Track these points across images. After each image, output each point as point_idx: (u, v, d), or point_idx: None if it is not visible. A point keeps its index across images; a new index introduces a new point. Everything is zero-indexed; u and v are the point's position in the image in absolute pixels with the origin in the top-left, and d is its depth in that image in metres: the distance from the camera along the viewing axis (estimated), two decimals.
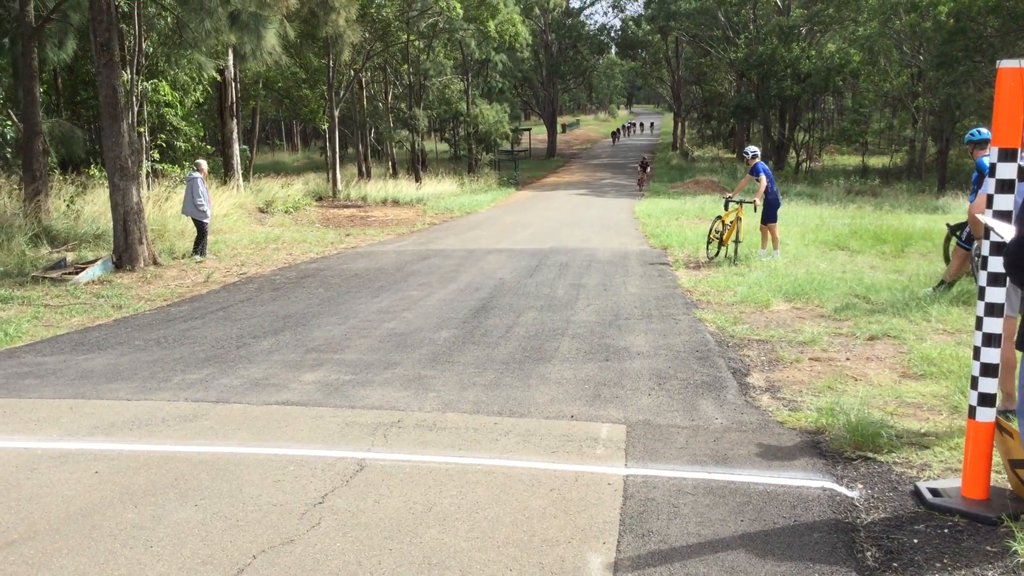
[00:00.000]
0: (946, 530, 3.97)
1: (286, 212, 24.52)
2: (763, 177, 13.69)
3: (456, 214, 27.16)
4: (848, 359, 7.20)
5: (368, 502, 4.22)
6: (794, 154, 52.79)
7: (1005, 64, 3.97)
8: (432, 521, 4.00)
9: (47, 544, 3.77)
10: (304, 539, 3.82)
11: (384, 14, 32.79)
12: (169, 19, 16.59)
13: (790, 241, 15.61)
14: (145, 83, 20.17)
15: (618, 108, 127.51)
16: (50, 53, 15.28)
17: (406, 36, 34.87)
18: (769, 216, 13.91)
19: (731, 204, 13.88)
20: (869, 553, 3.75)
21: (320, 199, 29.88)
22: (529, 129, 64.02)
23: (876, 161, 52.48)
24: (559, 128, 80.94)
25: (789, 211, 22.62)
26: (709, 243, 14.35)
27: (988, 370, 4.08)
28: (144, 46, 19.60)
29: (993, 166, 3.97)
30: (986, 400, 4.10)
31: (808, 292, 10.12)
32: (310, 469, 4.67)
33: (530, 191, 39.70)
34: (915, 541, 3.86)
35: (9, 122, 16.38)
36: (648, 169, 38.95)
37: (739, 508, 4.17)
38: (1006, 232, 3.31)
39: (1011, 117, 3.95)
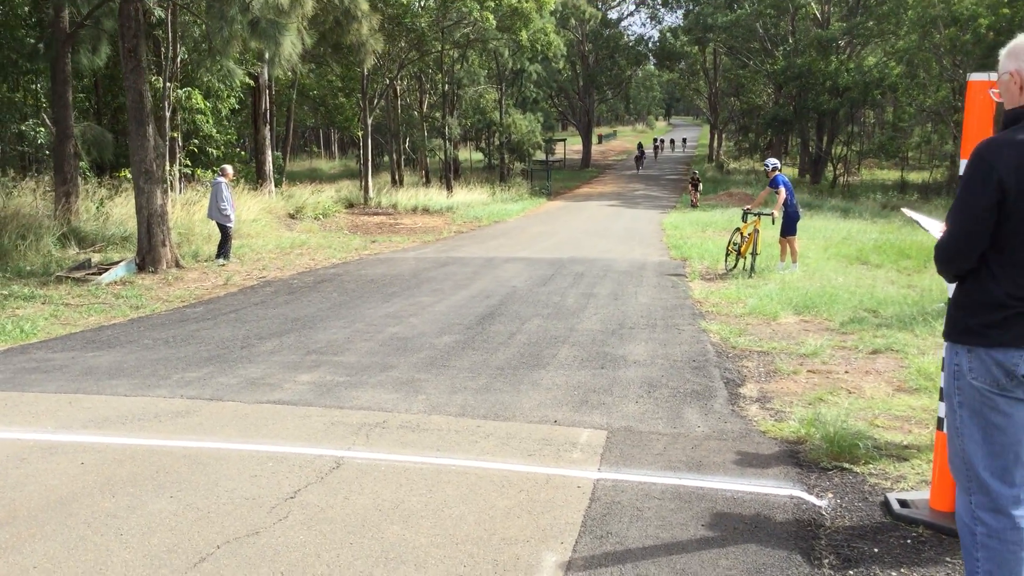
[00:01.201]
0: (909, 540, 3.98)
1: (315, 218, 24.82)
2: (782, 189, 13.64)
3: (484, 223, 27.30)
4: (847, 372, 7.18)
5: (338, 498, 4.31)
6: (831, 168, 52.29)
7: (974, 77, 4.00)
8: (397, 518, 4.08)
9: (23, 530, 3.91)
10: (269, 531, 3.92)
11: (419, 24, 33.08)
12: (201, 27, 16.91)
13: (811, 254, 15.51)
14: (178, 91, 20.60)
15: (656, 120, 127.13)
16: (83, 59, 15.67)
17: (440, 45, 35.18)
18: (788, 229, 13.85)
19: (749, 216, 13.85)
20: (827, 560, 3.77)
21: (351, 206, 30.21)
22: (564, 139, 64.10)
23: (916, 176, 51.82)
24: (595, 139, 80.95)
25: (817, 224, 22.47)
26: (727, 255, 14.31)
27: None
28: (178, 53, 20.03)
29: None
30: None
31: (818, 305, 10.07)
32: (288, 465, 4.78)
33: (561, 201, 39.75)
34: (875, 550, 3.87)
35: (42, 127, 16.79)
36: (700, 186, 36.05)
37: (702, 513, 4.20)
38: (934, 228, 3.33)
39: (980, 130, 3.97)
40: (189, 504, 4.22)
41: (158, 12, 18.39)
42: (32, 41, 17.10)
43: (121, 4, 12.49)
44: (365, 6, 19.47)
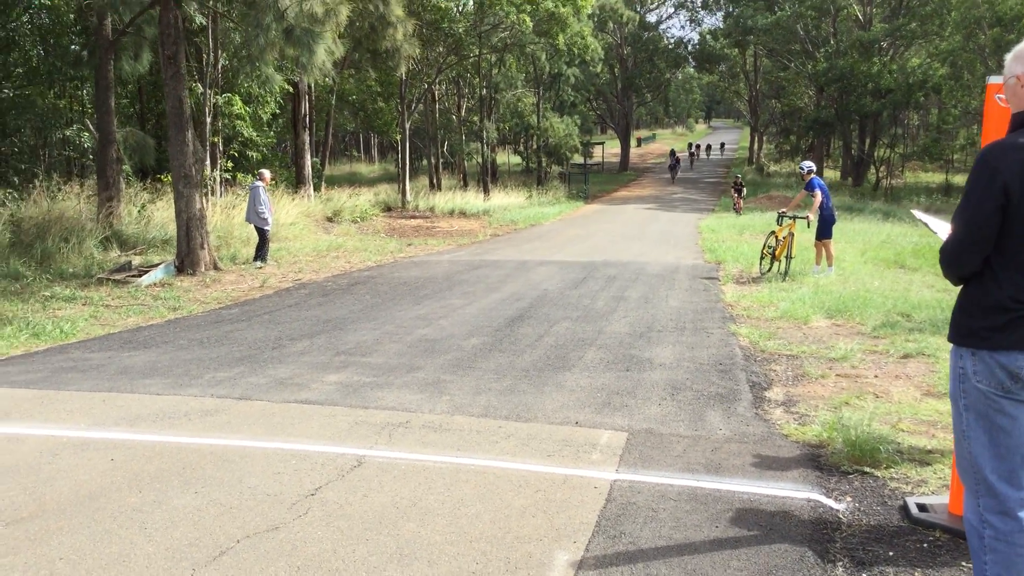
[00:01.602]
0: (925, 544, 3.96)
1: (353, 222, 25.08)
2: (818, 192, 13.55)
3: (520, 226, 27.37)
4: (876, 376, 7.12)
5: (357, 496, 4.39)
6: (874, 171, 51.61)
7: (993, 80, 3.97)
8: (414, 515, 4.15)
9: (51, 523, 4.04)
10: (288, 527, 4.01)
11: (456, 29, 33.31)
12: (240, 34, 17.23)
13: (847, 258, 15.35)
14: (219, 96, 20.97)
15: (696, 122, 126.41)
16: (125, 65, 16.03)
17: (478, 50, 35.35)
18: (824, 232, 13.73)
19: (784, 219, 13.76)
20: (840, 563, 3.76)
21: (389, 209, 30.47)
22: (602, 143, 64.06)
23: (960, 179, 50.95)
24: (634, 142, 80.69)
25: (856, 228, 22.23)
26: (762, 259, 14.23)
27: None
28: (219, 60, 20.39)
29: None
30: None
31: (850, 309, 9.99)
32: (311, 463, 4.87)
33: (598, 204, 39.71)
34: (891, 553, 3.86)
35: (86, 132, 17.18)
36: (744, 191, 34.09)
37: (718, 515, 4.21)
38: (941, 230, 3.32)
39: (999, 133, 3.94)
40: (213, 500, 4.33)
41: (199, 19, 18.74)
42: (76, 48, 17.51)
43: (161, 12, 12.77)
44: (400, 11, 19.68)
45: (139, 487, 4.50)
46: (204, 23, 19.28)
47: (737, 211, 32.28)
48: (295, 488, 4.49)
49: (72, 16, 20.39)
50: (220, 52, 20.65)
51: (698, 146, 78.02)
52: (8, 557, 3.68)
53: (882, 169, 51.77)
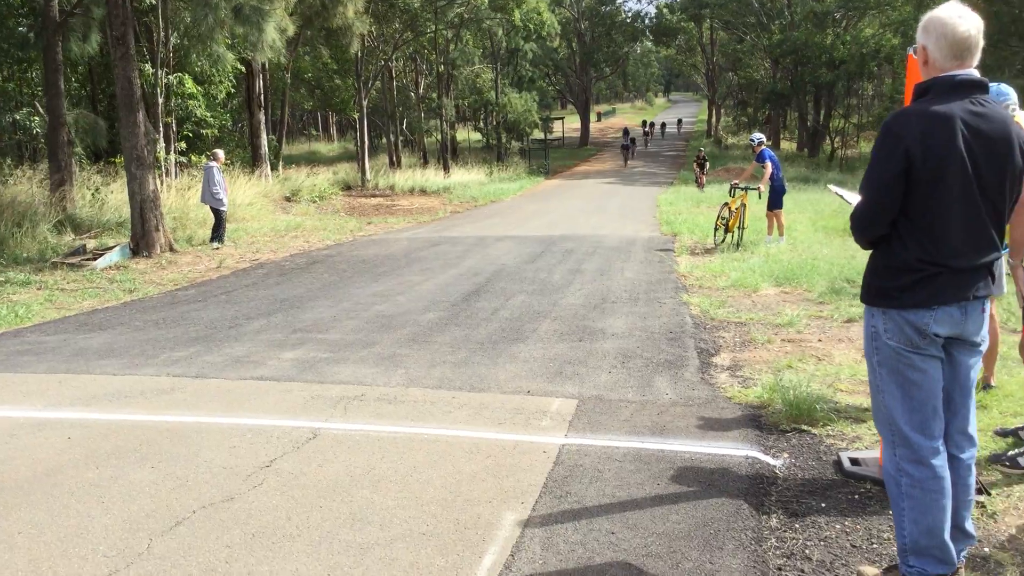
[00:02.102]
0: (856, 496, 4.16)
1: (312, 201, 24.98)
2: (768, 164, 13.77)
3: (480, 203, 27.44)
4: (820, 340, 7.34)
5: (312, 466, 4.50)
6: (829, 141, 52.26)
7: (912, 51, 4.12)
8: (367, 483, 4.27)
9: (9, 499, 4.11)
10: (244, 497, 4.11)
11: (412, 4, 33.11)
12: (189, 14, 17.04)
13: (799, 228, 15.66)
14: (170, 76, 20.69)
15: (655, 96, 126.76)
16: (74, 46, 15.80)
17: (434, 26, 35.19)
18: (775, 203, 13.99)
19: (736, 191, 13.99)
20: (774, 515, 3.95)
21: (348, 188, 30.35)
22: (562, 118, 64.02)
23: None
24: (594, 117, 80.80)
25: (809, 198, 22.57)
26: (716, 230, 14.46)
27: None
28: (170, 40, 20.12)
29: None
30: None
31: (798, 277, 10.24)
32: (266, 437, 4.98)
33: (559, 180, 39.86)
34: (823, 505, 4.06)
35: (36, 115, 16.94)
36: (707, 165, 32.41)
37: (660, 473, 4.38)
38: (854, 201, 3.48)
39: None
40: (169, 473, 4.42)
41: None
42: (23, 30, 17.21)
43: None
44: None
45: (96, 463, 4.57)
46: (154, 2, 19.01)
47: (700, 186, 31.07)
48: (250, 460, 4.60)
49: None
50: (171, 31, 20.37)
51: (652, 124, 71.20)
52: None
53: (837, 140, 52.44)
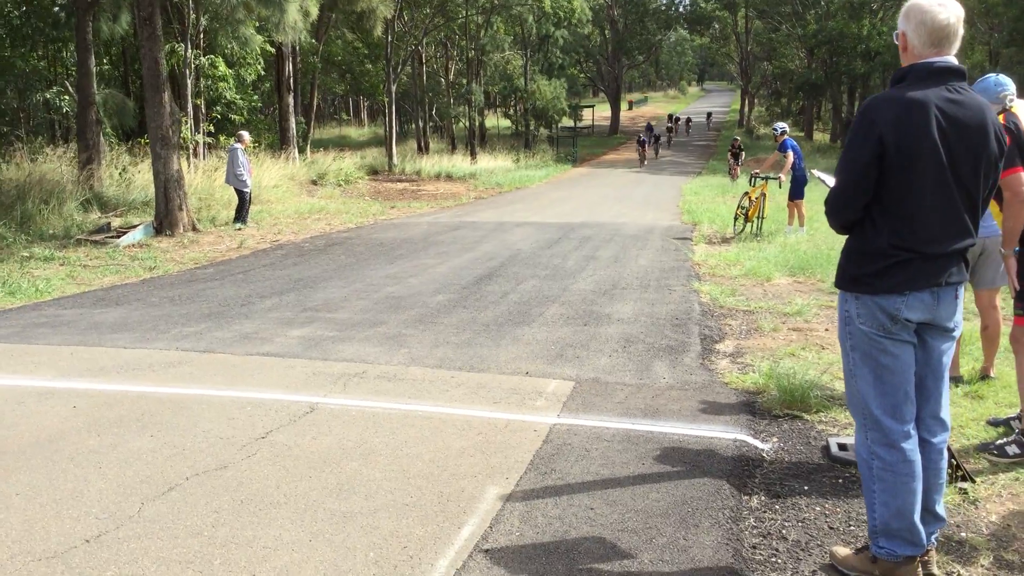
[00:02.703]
0: (840, 480, 4.19)
1: (338, 185, 25.16)
2: (790, 153, 13.74)
3: (505, 189, 27.50)
4: (827, 330, 7.33)
5: (306, 439, 4.61)
6: None
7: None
8: (357, 455, 4.37)
9: (10, 462, 4.25)
10: (237, 466, 4.22)
11: None
12: None
13: (821, 218, 15.49)
14: (201, 58, 20.94)
15: (688, 85, 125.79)
16: (104, 26, 16.03)
17: (465, 11, 35.21)
18: (796, 193, 13.94)
19: (757, 180, 13.94)
20: (756, 496, 3.99)
21: (375, 173, 30.52)
22: (592, 106, 63.79)
23: None
24: (625, 105, 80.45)
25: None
26: (736, 219, 14.42)
27: None
28: (200, 21, 20.34)
29: None
30: None
31: (813, 267, 10.20)
32: (265, 410, 5.09)
33: (586, 168, 39.81)
34: (806, 487, 4.09)
35: (66, 95, 17.22)
36: (742, 156, 29.87)
37: (646, 454, 4.43)
38: (832, 182, 3.51)
39: None
40: (167, 442, 4.54)
41: None
42: (57, 10, 17.49)
43: None
44: None
45: (98, 431, 4.71)
46: None
47: (733, 177, 29.05)
48: (247, 432, 4.71)
49: None
50: (201, 13, 20.59)
51: (677, 119, 63.85)
52: None
53: None
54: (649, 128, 51.48)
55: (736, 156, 29.81)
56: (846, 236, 3.21)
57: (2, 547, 3.35)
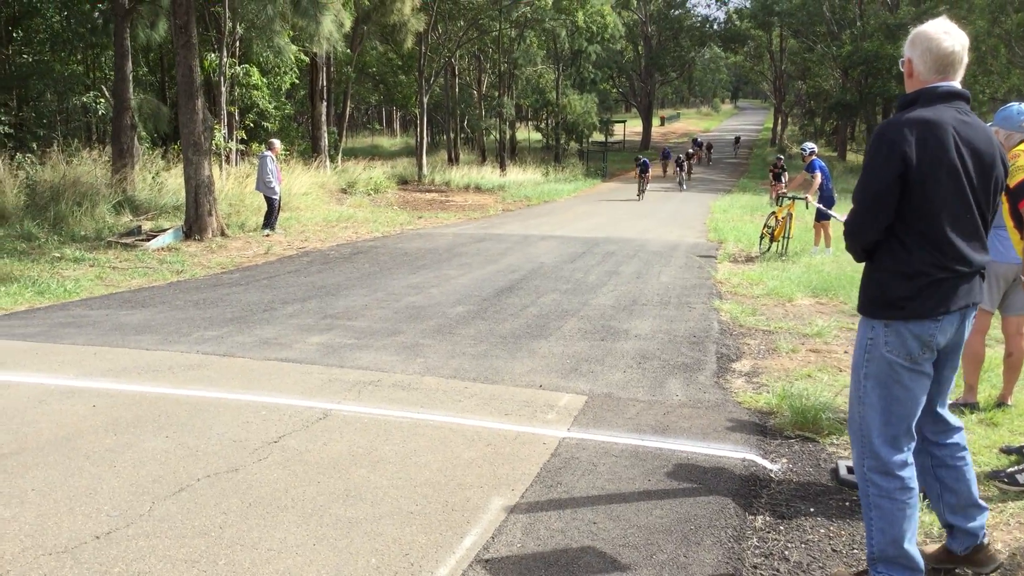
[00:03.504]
0: (847, 503, 4.18)
1: (367, 194, 25.36)
2: (818, 174, 13.68)
3: (533, 202, 27.58)
4: (846, 352, 7.29)
5: (317, 444, 4.67)
6: None
7: None
8: (366, 463, 4.42)
9: (29, 459, 4.35)
10: (247, 469, 4.29)
11: (476, 2, 33.41)
12: (255, 5, 17.49)
13: None
14: (236, 67, 21.24)
15: (722, 102, 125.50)
16: (141, 33, 16.34)
17: (498, 25, 35.43)
18: (823, 213, 13.86)
19: (784, 200, 13.90)
20: (761, 516, 4.00)
21: (405, 183, 30.74)
22: (624, 121, 63.88)
23: None
24: (657, 121, 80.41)
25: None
26: (761, 238, 14.38)
27: None
28: (236, 30, 20.65)
29: None
30: None
31: (836, 288, 10.15)
32: (279, 415, 5.16)
33: (615, 183, 39.81)
34: (812, 509, 4.09)
35: (102, 99, 17.53)
36: (785, 177, 25.57)
37: (654, 470, 4.45)
38: (841, 215, 3.52)
39: None
40: (181, 443, 4.62)
41: None
42: (96, 15, 17.85)
43: None
44: None
45: (115, 431, 4.80)
46: None
47: (776, 198, 24.35)
48: (260, 436, 4.78)
49: None
50: (237, 22, 20.90)
51: (700, 144, 56.04)
52: None
53: None
54: (666, 154, 45.75)
55: (778, 176, 27.03)
56: (862, 262, 3.23)
57: (14, 541, 3.44)
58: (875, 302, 3.11)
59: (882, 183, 2.97)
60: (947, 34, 2.99)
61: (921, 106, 3.02)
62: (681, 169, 37.88)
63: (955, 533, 3.35)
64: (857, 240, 3.13)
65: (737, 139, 69.20)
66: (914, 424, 3.13)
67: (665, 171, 42.89)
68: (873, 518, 3.15)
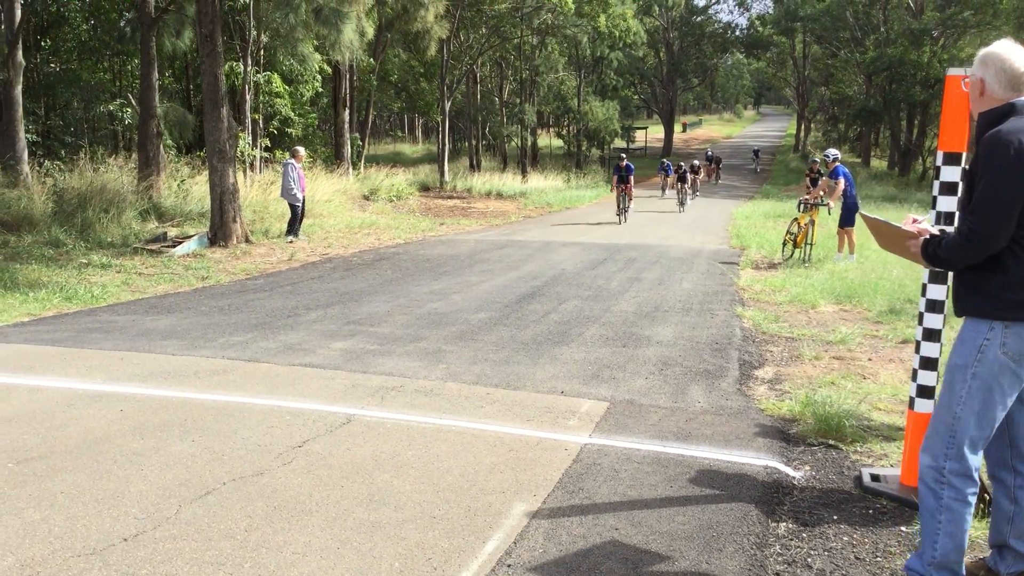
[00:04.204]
0: (871, 511, 4.16)
1: (389, 201, 25.48)
2: (841, 180, 13.61)
3: (554, 208, 27.60)
4: (870, 359, 7.26)
5: (341, 449, 4.71)
6: (921, 161, 50.82)
7: (952, 72, 4.13)
8: (389, 467, 4.45)
9: (58, 463, 4.42)
10: (272, 473, 4.33)
11: (497, 10, 33.53)
12: (279, 14, 17.66)
13: (873, 246, 15.30)
14: (259, 75, 21.43)
15: (744, 108, 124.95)
16: (167, 42, 16.54)
17: (519, 32, 35.55)
18: (847, 220, 13.80)
19: (806, 206, 13.85)
20: (783, 523, 3.99)
21: (427, 189, 30.85)
22: (646, 128, 63.78)
23: None
24: (679, 127, 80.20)
25: (891, 216, 22.00)
26: (784, 245, 14.32)
27: (927, 363, 4.25)
28: (260, 39, 20.84)
29: (938, 169, 4.17)
30: (924, 392, 4.26)
31: (859, 295, 10.09)
32: (303, 420, 5.20)
33: (637, 189, 39.61)
34: (835, 517, 4.08)
35: (128, 107, 17.74)
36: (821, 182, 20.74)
37: (676, 477, 4.45)
38: (904, 224, 3.52)
39: (956, 123, 4.12)
40: (207, 447, 4.68)
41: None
42: (123, 25, 18.09)
43: None
44: None
45: (142, 435, 4.86)
46: (247, 1, 19.73)
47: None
48: (284, 440, 4.82)
49: None
50: (262, 30, 21.10)
51: (710, 159, 46.68)
52: (15, 490, 4.05)
53: (929, 159, 50.93)
54: (664, 167, 37.42)
55: (815, 181, 26.20)
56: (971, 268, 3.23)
57: (44, 543, 3.49)
58: (998, 304, 3.15)
59: (1018, 189, 3.02)
60: (1018, 54, 3.15)
61: (1016, 118, 3.13)
62: (683, 183, 29.81)
63: (1005, 554, 3.37)
64: (991, 246, 3.13)
65: (756, 153, 57.54)
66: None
67: (664, 190, 35.96)
68: (942, 522, 3.18)
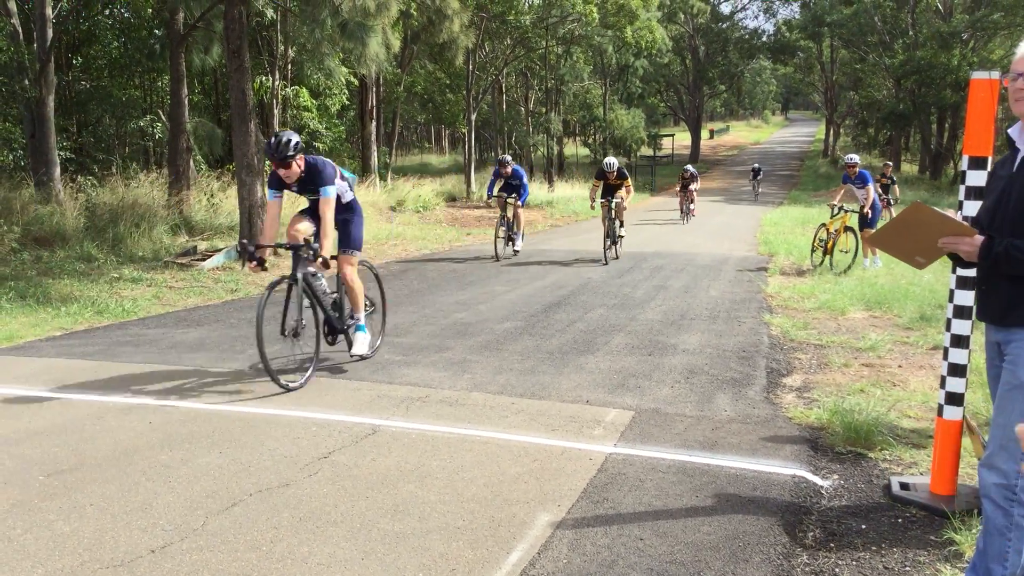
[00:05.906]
0: (900, 520, 4.11)
1: (416, 211, 25.57)
2: (871, 186, 13.52)
3: (581, 217, 27.55)
4: (900, 367, 7.18)
5: (366, 460, 4.73)
6: (953, 165, 50.24)
7: (976, 75, 4.09)
8: (414, 478, 4.46)
9: (87, 475, 4.47)
10: (298, 484, 4.36)
11: (523, 21, 33.64)
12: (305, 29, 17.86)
13: None
14: (287, 88, 21.65)
15: (772, 114, 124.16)
16: (196, 58, 16.76)
17: (545, 42, 35.63)
18: (871, 223, 13.67)
19: (837, 212, 13.73)
20: (811, 533, 3.95)
21: (453, 200, 30.93)
22: (672, 135, 63.52)
23: None
24: (706, 134, 79.88)
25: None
26: (813, 251, 14.21)
27: (956, 370, 4.20)
28: (288, 53, 21.08)
29: (963, 173, 4.13)
30: (953, 399, 4.21)
31: (890, 301, 9.99)
32: (328, 431, 5.23)
33: (664, 196, 39.60)
34: (863, 527, 4.03)
35: (159, 123, 17.99)
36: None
37: (702, 487, 4.42)
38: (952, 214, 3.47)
39: (982, 127, 4.08)
40: (234, 459, 4.71)
41: (270, 14, 19.43)
42: (152, 42, 18.36)
43: (226, 7, 13.34)
44: (456, 4, 20.09)
45: (171, 447, 4.91)
46: (275, 17, 19.96)
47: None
48: (310, 451, 4.85)
49: (150, 10, 21.33)
50: (289, 45, 21.32)
51: (696, 175, 29.25)
52: (46, 502, 4.11)
53: (961, 163, 50.29)
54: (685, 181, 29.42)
55: (887, 188, 21.89)
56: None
57: (73, 554, 3.54)
58: None
59: None
60: None
61: None
62: (685, 192, 26.69)
63: None
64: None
65: (756, 171, 40.77)
66: None
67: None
68: (1012, 539, 3.08)
